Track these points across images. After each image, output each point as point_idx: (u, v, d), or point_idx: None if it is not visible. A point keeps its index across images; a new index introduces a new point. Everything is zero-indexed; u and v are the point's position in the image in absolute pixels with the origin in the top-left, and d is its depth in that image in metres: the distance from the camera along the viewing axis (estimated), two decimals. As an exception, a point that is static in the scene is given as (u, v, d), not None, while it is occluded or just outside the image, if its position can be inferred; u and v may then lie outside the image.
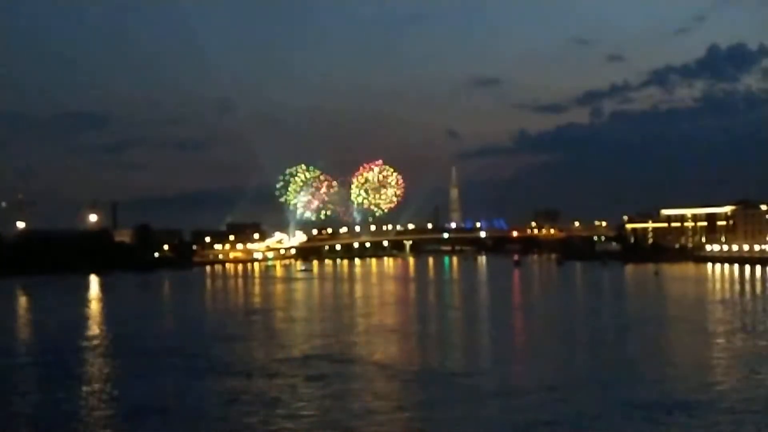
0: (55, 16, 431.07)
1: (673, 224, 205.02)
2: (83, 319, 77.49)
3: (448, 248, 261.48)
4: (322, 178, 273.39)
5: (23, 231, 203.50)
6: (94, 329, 69.03)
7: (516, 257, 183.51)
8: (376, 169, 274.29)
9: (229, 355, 48.71)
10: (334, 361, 44.20)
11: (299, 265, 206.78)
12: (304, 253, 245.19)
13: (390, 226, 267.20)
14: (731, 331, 56.41)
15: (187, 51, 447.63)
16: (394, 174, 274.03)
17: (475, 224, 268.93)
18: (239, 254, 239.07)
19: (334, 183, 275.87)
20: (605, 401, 31.72)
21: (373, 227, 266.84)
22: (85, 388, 37.79)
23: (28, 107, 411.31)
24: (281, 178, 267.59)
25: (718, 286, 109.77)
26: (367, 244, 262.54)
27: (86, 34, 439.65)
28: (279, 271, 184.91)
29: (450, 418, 29.86)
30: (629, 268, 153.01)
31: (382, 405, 32.44)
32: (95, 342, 58.03)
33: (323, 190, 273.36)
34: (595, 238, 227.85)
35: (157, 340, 57.64)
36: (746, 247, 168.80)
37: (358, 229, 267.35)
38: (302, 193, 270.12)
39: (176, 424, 29.75)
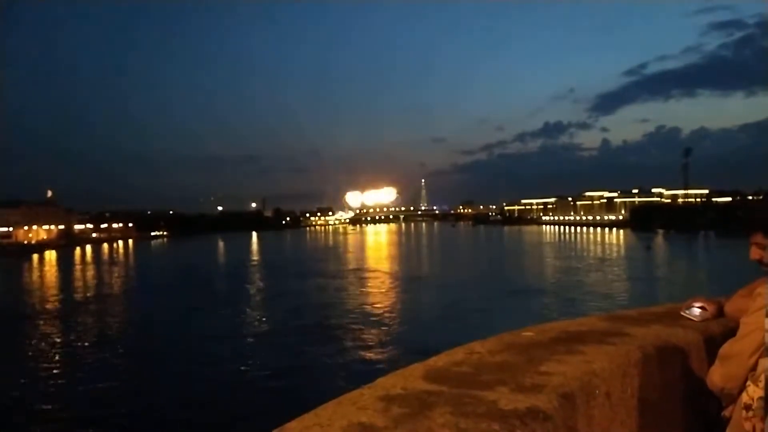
0: (228, 96, 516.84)
1: (527, 207, 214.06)
2: (249, 252, 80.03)
3: (420, 218, 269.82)
4: None
5: (221, 211, 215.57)
6: (254, 257, 71.00)
7: (452, 223, 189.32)
8: None
9: (317, 268, 49.47)
10: (367, 271, 45.45)
11: (351, 227, 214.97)
12: (353, 221, 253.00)
13: (393, 208, 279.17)
14: (554, 256, 57.82)
15: (297, 128, 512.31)
16: None
17: (433, 207, 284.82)
18: (322, 222, 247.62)
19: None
20: (493, 289, 31.99)
21: (385, 208, 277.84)
22: (250, 284, 39.29)
23: (223, 152, 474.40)
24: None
25: (547, 236, 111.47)
26: (383, 216, 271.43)
27: (247, 113, 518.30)
28: (341, 230, 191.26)
29: (419, 298, 30.73)
30: (506, 228, 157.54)
31: (389, 291, 33.62)
32: (254, 263, 60.53)
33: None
34: (490, 213, 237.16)
35: (284, 261, 59.30)
36: (562, 218, 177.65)
37: (378, 209, 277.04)
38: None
39: (292, 299, 30.21)
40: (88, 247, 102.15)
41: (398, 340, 20.59)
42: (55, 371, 17.77)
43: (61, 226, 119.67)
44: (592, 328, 2.00)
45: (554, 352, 1.62)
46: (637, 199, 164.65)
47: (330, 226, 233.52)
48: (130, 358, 19.54)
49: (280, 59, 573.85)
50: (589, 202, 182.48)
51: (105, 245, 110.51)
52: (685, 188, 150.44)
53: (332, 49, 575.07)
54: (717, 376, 1.60)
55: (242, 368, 17.64)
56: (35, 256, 78.59)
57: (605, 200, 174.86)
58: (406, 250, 76.86)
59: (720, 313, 2.08)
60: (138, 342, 22.04)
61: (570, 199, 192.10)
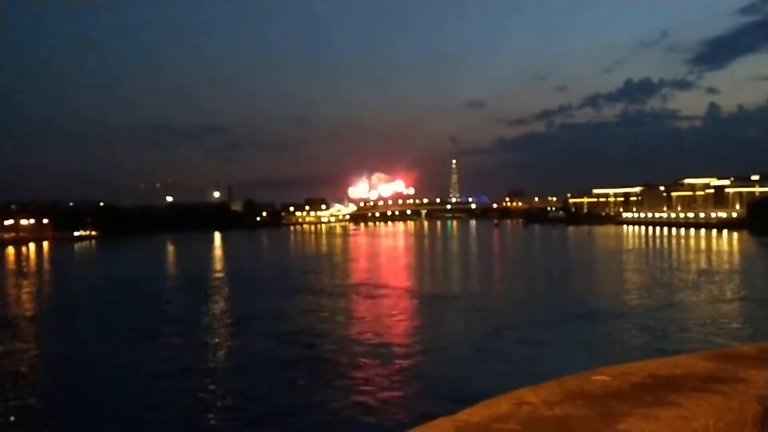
0: (180, 40, 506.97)
1: (601, 199, 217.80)
2: (211, 259, 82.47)
3: (450, 215, 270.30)
4: None
5: (171, 203, 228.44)
6: (217, 266, 72.72)
7: (495, 221, 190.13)
8: None
9: (306, 281, 50.77)
10: (375, 287, 45.76)
11: (352, 226, 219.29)
12: (355, 218, 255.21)
13: (411, 200, 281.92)
14: (637, 268, 58.42)
15: (278, 88, 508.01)
16: None
17: (468, 199, 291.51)
18: (312, 219, 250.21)
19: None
20: (550, 313, 32.69)
21: (400, 201, 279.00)
22: (211, 303, 40.27)
23: (175, 122, 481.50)
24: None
25: (629, 240, 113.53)
26: (396, 212, 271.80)
27: (207, 72, 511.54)
28: (338, 230, 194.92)
29: (448, 324, 32.01)
30: (571, 229, 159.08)
31: (405, 315, 34.41)
32: (218, 274, 61.94)
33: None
34: (548, 208, 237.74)
35: (258, 272, 60.43)
36: (649, 215, 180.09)
37: (390, 202, 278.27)
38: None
39: (271, 325, 31.40)
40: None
41: (417, 384, 20.80)
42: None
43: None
44: (692, 370, 1.99)
45: (638, 404, 1.61)
46: (758, 189, 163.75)
47: (323, 225, 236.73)
48: (50, 405, 19.91)
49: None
50: (690, 193, 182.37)
51: (10, 249, 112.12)
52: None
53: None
54: None
55: (206, 417, 18.06)
56: None
57: (712, 190, 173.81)
58: (429, 259, 78.83)
59: None
60: (61, 384, 22.50)
61: (662, 188, 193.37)
